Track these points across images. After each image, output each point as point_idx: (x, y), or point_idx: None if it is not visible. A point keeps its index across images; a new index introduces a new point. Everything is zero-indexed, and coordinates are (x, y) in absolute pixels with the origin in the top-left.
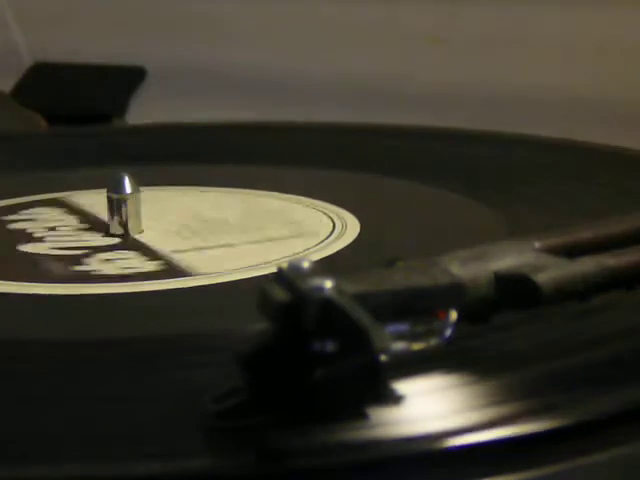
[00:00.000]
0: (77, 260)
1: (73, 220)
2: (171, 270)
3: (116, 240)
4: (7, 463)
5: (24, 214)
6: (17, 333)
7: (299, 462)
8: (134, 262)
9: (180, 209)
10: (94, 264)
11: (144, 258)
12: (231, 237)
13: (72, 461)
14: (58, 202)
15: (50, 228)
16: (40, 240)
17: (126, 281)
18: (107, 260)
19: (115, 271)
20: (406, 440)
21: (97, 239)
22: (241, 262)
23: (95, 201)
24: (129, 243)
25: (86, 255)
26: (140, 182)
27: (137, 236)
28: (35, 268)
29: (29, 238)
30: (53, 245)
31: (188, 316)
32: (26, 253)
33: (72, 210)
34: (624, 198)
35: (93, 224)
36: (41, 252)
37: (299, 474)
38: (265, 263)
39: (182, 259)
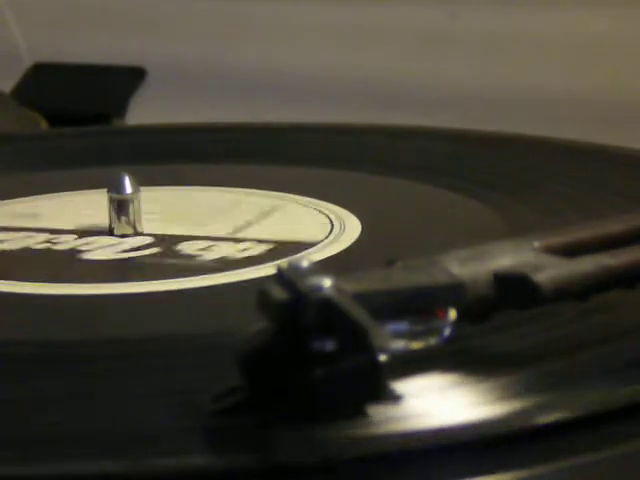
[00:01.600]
0: (175, 256)
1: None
2: (280, 244)
3: (149, 239)
4: (7, 463)
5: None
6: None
7: (298, 461)
8: (230, 246)
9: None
10: (206, 254)
11: (226, 242)
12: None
13: (71, 461)
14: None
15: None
16: (83, 252)
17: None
18: (203, 249)
19: (239, 255)
20: (405, 438)
21: (126, 241)
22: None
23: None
24: (167, 239)
25: (166, 252)
26: (140, 182)
27: (153, 232)
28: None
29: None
30: (112, 250)
31: None
32: (99, 260)
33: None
34: (624, 198)
35: (85, 229)
36: (109, 258)
37: (298, 473)
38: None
39: (253, 236)
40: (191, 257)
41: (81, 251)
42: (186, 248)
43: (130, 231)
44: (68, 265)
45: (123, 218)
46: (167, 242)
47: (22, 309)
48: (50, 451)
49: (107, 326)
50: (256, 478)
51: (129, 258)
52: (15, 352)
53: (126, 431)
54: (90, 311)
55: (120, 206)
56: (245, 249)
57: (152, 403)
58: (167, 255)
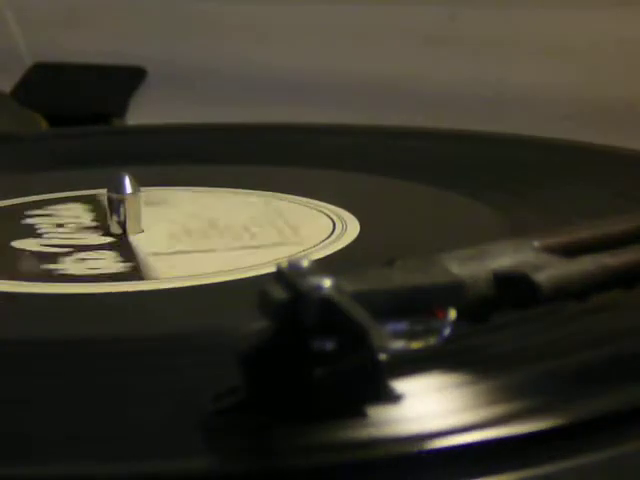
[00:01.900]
0: (53, 258)
1: (87, 218)
2: (133, 273)
3: (108, 240)
4: (6, 463)
5: (48, 209)
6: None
7: (298, 461)
8: (104, 263)
9: (182, 210)
10: (66, 263)
11: (119, 259)
12: (220, 242)
13: (71, 461)
14: (91, 199)
15: (58, 225)
16: (38, 236)
17: (83, 281)
18: (80, 260)
19: (81, 271)
20: (405, 439)
21: (92, 238)
22: (210, 267)
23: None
24: (118, 243)
25: (66, 254)
26: (140, 182)
27: (133, 236)
28: (9, 264)
29: (30, 233)
30: (45, 242)
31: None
32: (14, 248)
33: (96, 208)
34: (624, 198)
35: (102, 224)
36: (28, 248)
37: (298, 473)
38: (235, 269)
39: (155, 262)
40: (50, 263)
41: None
42: (77, 256)
43: (119, 231)
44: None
45: (114, 217)
46: (87, 248)
47: (21, 307)
48: (48, 452)
49: (106, 325)
50: (255, 479)
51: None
52: (14, 351)
53: (125, 431)
54: (90, 310)
55: (115, 206)
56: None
57: (151, 403)
58: (48, 257)
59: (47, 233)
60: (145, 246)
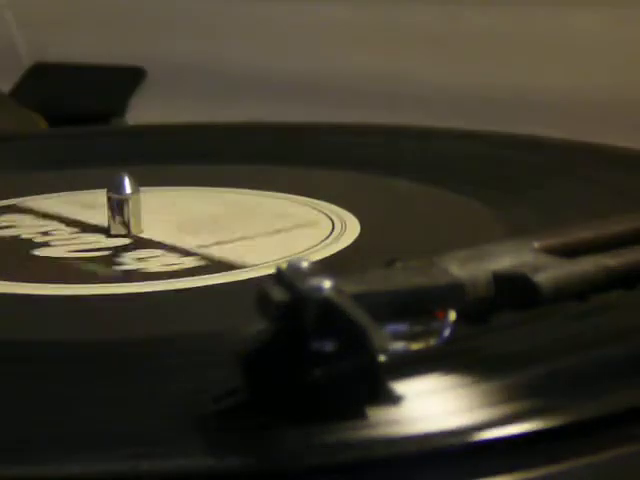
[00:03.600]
0: (109, 260)
1: (57, 224)
2: (216, 264)
3: (127, 240)
4: (6, 463)
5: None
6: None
7: (298, 461)
8: (169, 259)
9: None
10: (132, 263)
11: (176, 254)
12: (239, 232)
13: (72, 461)
14: (19, 209)
15: (43, 233)
16: (47, 245)
17: (176, 277)
18: (140, 259)
19: (159, 268)
20: (405, 440)
21: (105, 240)
22: (271, 253)
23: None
24: (142, 242)
25: (114, 255)
26: (140, 182)
27: (142, 235)
28: (67, 271)
29: (31, 244)
30: (67, 249)
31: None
32: (46, 257)
33: (44, 215)
34: (624, 198)
35: (83, 227)
36: (59, 255)
37: (298, 473)
38: (294, 253)
39: (212, 253)
40: (114, 264)
41: (40, 244)
42: (129, 256)
43: (123, 231)
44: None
45: (118, 218)
46: (126, 248)
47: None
48: (49, 452)
49: (106, 326)
50: (255, 479)
51: (69, 258)
52: (13, 352)
53: (125, 432)
54: (89, 311)
55: (117, 206)
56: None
57: (151, 404)
58: (102, 260)
59: (50, 241)
60: (175, 241)
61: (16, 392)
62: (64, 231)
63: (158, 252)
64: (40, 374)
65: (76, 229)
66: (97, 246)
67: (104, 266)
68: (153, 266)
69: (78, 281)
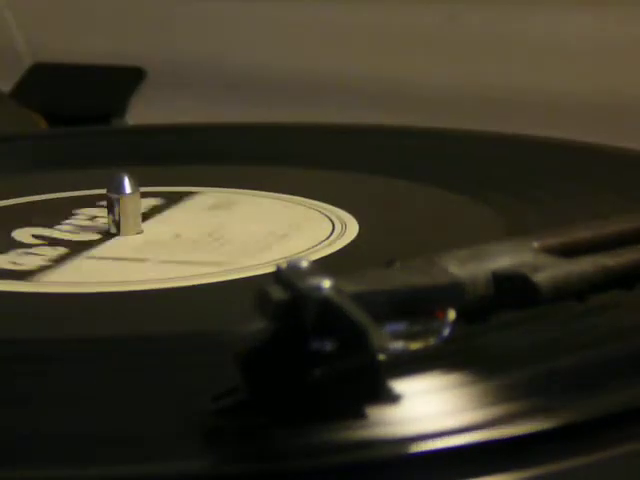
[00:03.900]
0: (8, 249)
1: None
2: (26, 272)
3: (95, 237)
4: (6, 463)
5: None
6: None
7: (297, 461)
8: (35, 259)
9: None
10: (10, 256)
11: (53, 256)
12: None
13: (71, 461)
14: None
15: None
16: (46, 226)
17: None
18: (27, 254)
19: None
20: (404, 440)
21: (87, 236)
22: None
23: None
24: (93, 242)
25: (30, 245)
26: (140, 182)
27: (122, 237)
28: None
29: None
30: (38, 232)
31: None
32: (8, 235)
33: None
34: (624, 198)
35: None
36: (17, 237)
37: (297, 473)
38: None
39: (71, 265)
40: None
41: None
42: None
43: (115, 230)
44: None
45: (110, 217)
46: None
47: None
48: (48, 453)
49: (105, 325)
50: (254, 479)
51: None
52: (13, 352)
53: (125, 432)
54: (89, 310)
55: (114, 206)
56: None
57: (150, 403)
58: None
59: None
60: (110, 249)
61: (15, 392)
62: (73, 222)
63: (66, 250)
64: (37, 372)
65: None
66: (61, 237)
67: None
68: (27, 262)
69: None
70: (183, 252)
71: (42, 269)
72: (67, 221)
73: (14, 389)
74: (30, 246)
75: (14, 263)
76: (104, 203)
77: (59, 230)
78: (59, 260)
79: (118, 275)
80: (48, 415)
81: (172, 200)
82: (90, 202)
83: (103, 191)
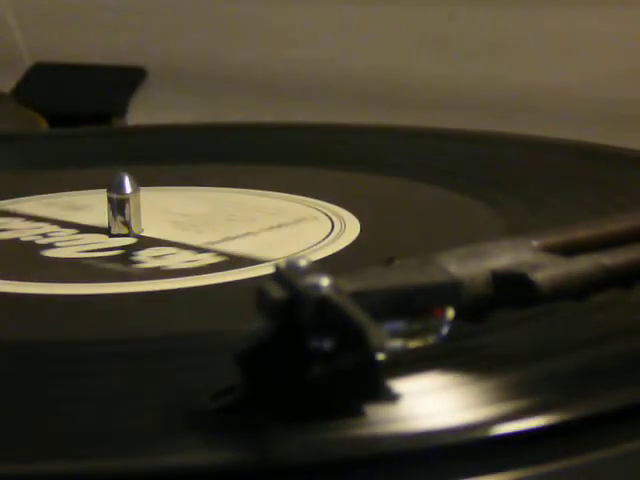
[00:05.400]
0: (125, 260)
1: (51, 226)
2: (234, 260)
3: (132, 239)
4: (6, 462)
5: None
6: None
7: (296, 459)
8: (186, 256)
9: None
10: (150, 261)
11: (189, 252)
12: (243, 228)
13: (71, 460)
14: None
15: (42, 235)
16: (53, 246)
17: (200, 274)
18: (156, 257)
19: (181, 265)
20: (403, 438)
21: (109, 240)
22: (284, 247)
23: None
24: (149, 241)
25: (127, 254)
26: (140, 182)
27: (145, 234)
28: (87, 271)
29: (36, 245)
30: (75, 249)
31: None
32: (58, 258)
33: (36, 218)
34: (624, 198)
35: (80, 228)
36: (71, 256)
37: (296, 471)
38: (307, 248)
39: (224, 249)
40: (132, 263)
41: (46, 246)
42: (143, 254)
43: (125, 231)
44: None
45: (119, 218)
46: (136, 246)
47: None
48: (47, 451)
49: (105, 325)
50: (253, 477)
51: (82, 258)
52: (13, 352)
53: (123, 430)
54: (88, 310)
55: (118, 206)
56: (200, 259)
57: (149, 402)
58: (116, 259)
59: (55, 243)
60: (179, 238)
61: (14, 391)
62: (62, 232)
63: (172, 249)
64: (42, 372)
65: (74, 230)
66: (105, 246)
67: (122, 265)
68: (173, 263)
69: (105, 279)
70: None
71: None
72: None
73: (16, 388)
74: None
75: (186, 262)
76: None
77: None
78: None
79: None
80: (46, 415)
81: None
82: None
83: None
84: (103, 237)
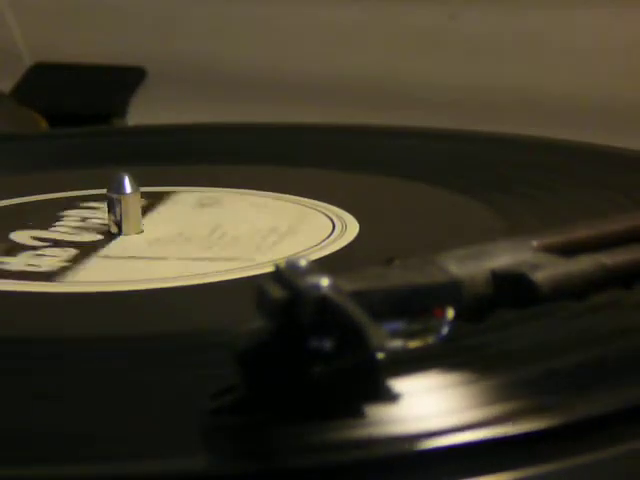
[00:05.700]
0: (17, 251)
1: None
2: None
3: (98, 238)
4: (6, 462)
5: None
6: None
7: (295, 459)
8: (51, 261)
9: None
10: (23, 258)
11: (66, 257)
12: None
13: (71, 461)
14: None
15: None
16: (41, 228)
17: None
18: (38, 255)
19: (18, 267)
20: (403, 438)
21: (87, 236)
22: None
23: None
24: (98, 243)
25: (36, 247)
26: (140, 182)
27: (126, 236)
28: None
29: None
30: (36, 234)
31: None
32: (7, 238)
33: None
34: (624, 198)
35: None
36: (17, 240)
37: (294, 472)
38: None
39: (92, 265)
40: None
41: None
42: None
43: (116, 230)
44: None
45: (111, 217)
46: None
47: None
48: (47, 452)
49: (105, 324)
50: (253, 478)
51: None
52: (13, 350)
53: (124, 431)
54: (88, 309)
55: (114, 206)
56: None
57: (149, 402)
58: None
59: (50, 226)
60: (117, 248)
61: (14, 390)
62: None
63: (66, 253)
64: (36, 371)
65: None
66: (56, 237)
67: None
68: (20, 265)
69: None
70: (197, 249)
71: (63, 270)
72: (59, 222)
73: (14, 388)
74: (35, 248)
75: (31, 265)
76: (90, 204)
77: (57, 232)
78: (74, 261)
79: (146, 273)
80: (46, 414)
81: (158, 199)
82: (75, 204)
83: (103, 191)
84: (92, 233)
